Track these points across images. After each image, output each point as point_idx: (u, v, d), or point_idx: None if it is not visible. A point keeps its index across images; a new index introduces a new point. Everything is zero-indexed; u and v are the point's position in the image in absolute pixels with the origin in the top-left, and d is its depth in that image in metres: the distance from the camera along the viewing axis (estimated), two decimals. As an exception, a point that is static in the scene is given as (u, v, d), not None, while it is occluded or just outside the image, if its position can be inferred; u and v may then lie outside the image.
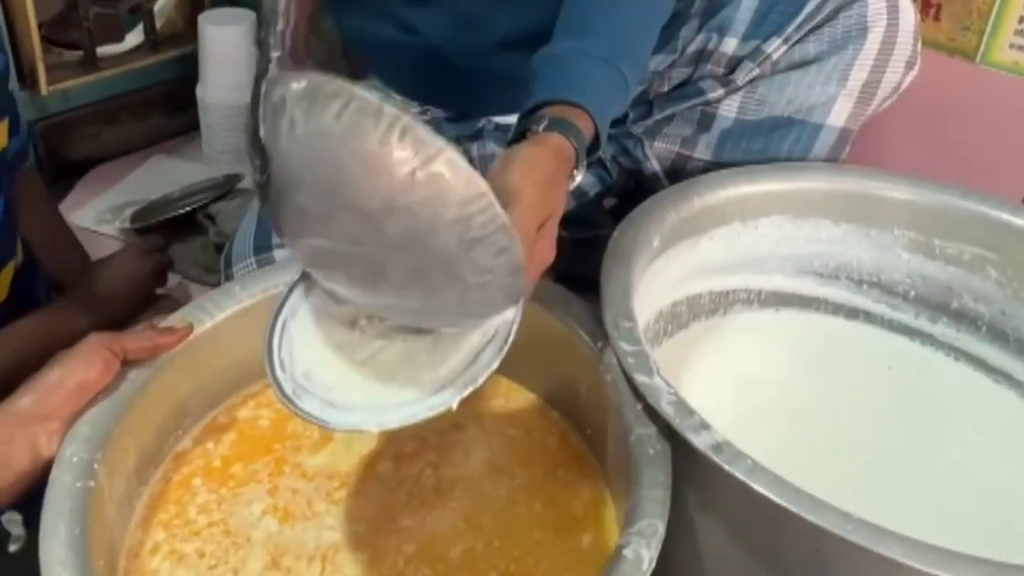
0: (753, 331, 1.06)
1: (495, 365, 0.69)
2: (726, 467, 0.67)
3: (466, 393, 0.68)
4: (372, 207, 0.61)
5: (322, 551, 0.79)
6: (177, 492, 0.83)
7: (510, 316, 0.71)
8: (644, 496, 0.70)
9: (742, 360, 1.02)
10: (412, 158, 0.59)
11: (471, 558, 0.79)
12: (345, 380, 0.73)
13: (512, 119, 1.17)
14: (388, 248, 0.64)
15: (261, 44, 0.78)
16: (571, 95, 0.80)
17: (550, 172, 0.74)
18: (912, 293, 1.02)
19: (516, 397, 0.95)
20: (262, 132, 0.65)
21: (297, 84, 0.60)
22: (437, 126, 1.19)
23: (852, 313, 1.05)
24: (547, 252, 0.73)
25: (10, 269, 1.05)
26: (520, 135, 0.79)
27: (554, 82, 0.82)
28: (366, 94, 0.59)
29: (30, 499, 0.71)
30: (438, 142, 0.59)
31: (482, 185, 0.61)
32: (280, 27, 0.77)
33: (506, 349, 0.70)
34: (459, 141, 1.18)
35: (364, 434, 0.88)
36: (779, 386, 1.00)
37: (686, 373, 0.99)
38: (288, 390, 0.71)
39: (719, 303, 1.05)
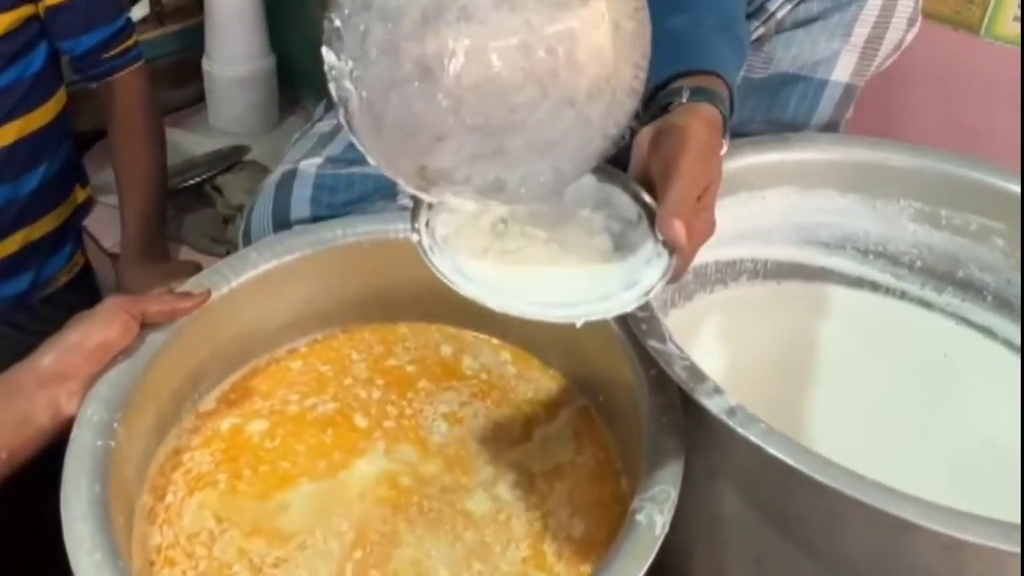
0: (757, 303, 1.06)
1: (629, 309, 0.69)
2: (740, 430, 0.67)
3: (592, 319, 0.67)
4: None
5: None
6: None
7: (657, 274, 0.71)
8: (657, 463, 0.71)
9: (745, 332, 1.02)
10: None
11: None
12: (491, 268, 0.71)
13: None
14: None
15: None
16: (702, 63, 0.80)
17: (704, 142, 0.73)
18: (918, 263, 1.02)
19: (529, 368, 0.96)
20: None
21: None
22: None
23: (858, 283, 1.05)
24: (708, 223, 0.73)
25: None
26: (662, 108, 0.78)
27: (680, 54, 0.81)
28: None
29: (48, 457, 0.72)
30: None
31: None
32: None
33: (645, 299, 0.69)
34: None
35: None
36: (784, 357, 1.01)
37: (691, 344, 1.00)
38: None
39: (725, 273, 1.05)
